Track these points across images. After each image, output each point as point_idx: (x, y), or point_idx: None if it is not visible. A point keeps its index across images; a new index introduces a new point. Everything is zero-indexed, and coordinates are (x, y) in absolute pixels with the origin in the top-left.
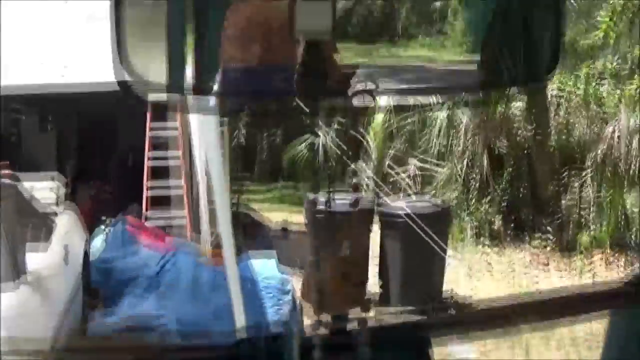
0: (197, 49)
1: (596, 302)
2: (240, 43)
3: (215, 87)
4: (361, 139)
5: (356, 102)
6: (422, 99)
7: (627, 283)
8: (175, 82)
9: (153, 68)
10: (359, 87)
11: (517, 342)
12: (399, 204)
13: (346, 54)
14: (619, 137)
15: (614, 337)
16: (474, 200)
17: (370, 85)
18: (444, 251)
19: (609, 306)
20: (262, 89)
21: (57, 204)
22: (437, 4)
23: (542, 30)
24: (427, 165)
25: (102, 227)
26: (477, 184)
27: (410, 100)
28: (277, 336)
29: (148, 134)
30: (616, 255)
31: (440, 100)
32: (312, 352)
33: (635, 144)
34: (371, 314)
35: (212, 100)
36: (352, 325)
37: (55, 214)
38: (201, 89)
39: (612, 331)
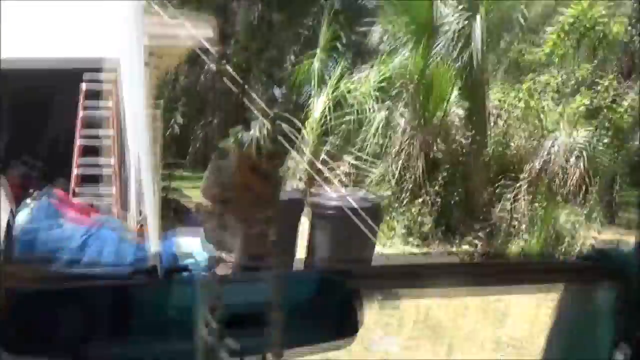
0: None
1: (549, 274)
2: None
3: None
4: (297, 132)
5: None
6: None
7: (581, 260)
8: None
9: None
10: None
11: (440, 339)
12: (330, 196)
13: None
14: (556, 152)
15: (564, 312)
16: (406, 201)
17: None
18: (373, 244)
19: (561, 280)
20: None
21: None
22: None
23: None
24: (361, 163)
25: (28, 200)
26: (411, 185)
27: None
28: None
29: (80, 112)
30: None
31: None
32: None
33: (572, 161)
34: None
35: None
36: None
37: None
38: None
39: (562, 306)
